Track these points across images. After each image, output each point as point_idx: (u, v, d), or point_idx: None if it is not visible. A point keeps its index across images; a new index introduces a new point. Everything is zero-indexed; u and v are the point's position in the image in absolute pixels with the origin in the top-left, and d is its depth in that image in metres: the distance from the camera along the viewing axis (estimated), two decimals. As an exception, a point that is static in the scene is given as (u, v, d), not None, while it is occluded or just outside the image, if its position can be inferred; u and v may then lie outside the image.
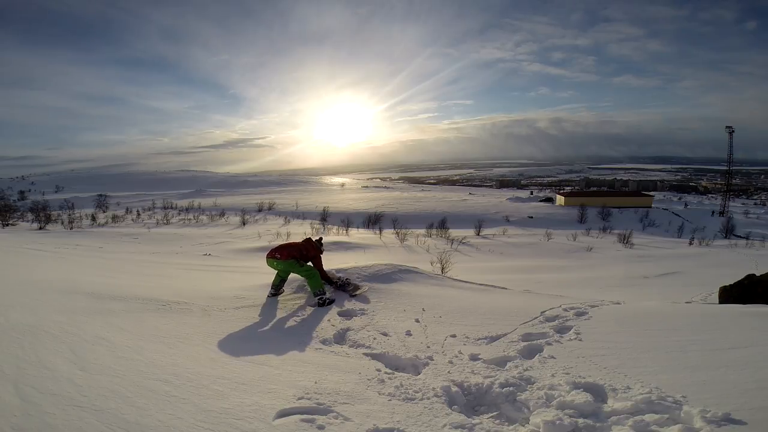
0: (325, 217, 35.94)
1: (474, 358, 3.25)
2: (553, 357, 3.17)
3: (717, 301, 6.31)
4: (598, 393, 2.51)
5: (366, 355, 3.31)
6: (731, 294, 5.96)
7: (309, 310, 4.43)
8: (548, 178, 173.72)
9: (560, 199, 55.71)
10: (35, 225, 26.40)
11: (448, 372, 2.95)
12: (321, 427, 2.07)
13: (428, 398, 2.50)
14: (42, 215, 28.05)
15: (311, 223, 32.35)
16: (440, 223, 29.16)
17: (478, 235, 27.36)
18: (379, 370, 2.94)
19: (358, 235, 26.25)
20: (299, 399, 2.33)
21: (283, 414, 2.16)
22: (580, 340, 3.54)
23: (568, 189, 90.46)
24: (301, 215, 40.14)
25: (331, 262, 5.94)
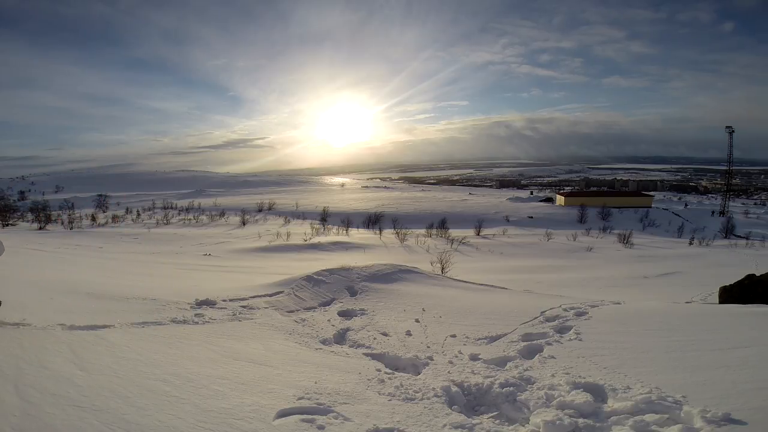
0: (325, 217, 35.88)
1: (474, 358, 3.25)
2: (553, 357, 3.17)
3: (717, 301, 6.31)
4: (598, 393, 2.51)
5: (366, 355, 3.31)
6: (731, 294, 5.96)
7: (310, 310, 4.44)
8: (548, 178, 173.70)
9: (560, 199, 55.65)
10: (35, 225, 26.38)
11: (448, 372, 2.95)
12: (321, 427, 2.07)
13: (428, 398, 2.50)
14: (42, 215, 28.03)
15: (311, 223, 32.33)
16: (440, 223, 29.12)
17: (478, 235, 27.34)
18: (379, 370, 2.94)
19: (358, 235, 26.24)
20: (299, 399, 2.33)
21: (283, 414, 2.16)
22: (580, 340, 3.54)
23: (568, 189, 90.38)
24: (301, 215, 40.08)
25: (331, 261, 5.95)
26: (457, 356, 3.29)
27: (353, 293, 5.14)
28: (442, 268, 11.71)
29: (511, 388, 2.63)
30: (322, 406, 2.29)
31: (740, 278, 6.05)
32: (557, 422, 2.16)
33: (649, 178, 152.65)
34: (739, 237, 34.25)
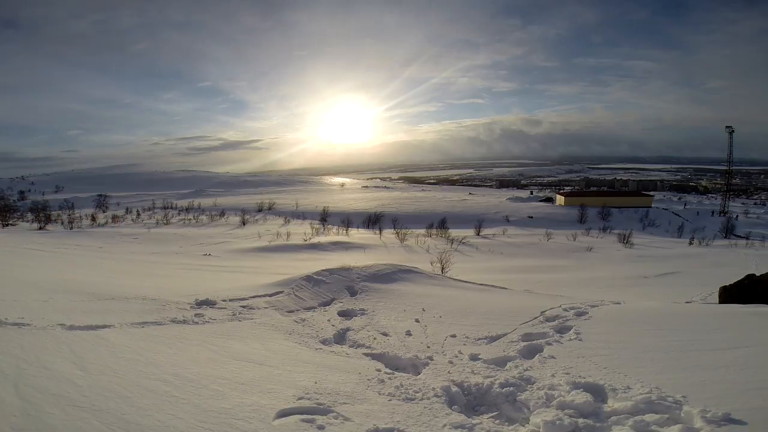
0: (325, 217, 35.88)
1: (474, 358, 3.25)
2: (553, 357, 3.17)
3: (717, 301, 6.31)
4: (598, 393, 2.51)
5: (366, 355, 3.31)
6: (731, 294, 5.96)
7: (310, 310, 4.44)
8: (548, 178, 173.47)
9: (560, 199, 55.61)
10: (35, 225, 26.40)
11: (448, 372, 2.95)
12: (321, 427, 2.07)
13: (428, 398, 2.50)
14: (42, 215, 28.07)
15: (311, 223, 32.33)
16: (440, 223, 29.12)
17: (478, 235, 27.35)
18: (379, 370, 2.94)
19: (358, 235, 26.26)
20: (299, 399, 2.33)
21: (283, 414, 2.16)
22: (580, 340, 3.54)
23: (568, 189, 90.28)
24: (301, 215, 40.08)
25: (331, 261, 5.95)
26: (457, 356, 3.29)
27: (353, 293, 5.15)
28: (442, 268, 11.71)
29: (511, 388, 2.63)
30: (322, 406, 2.29)
31: (740, 278, 6.05)
32: (557, 422, 2.16)
33: (649, 178, 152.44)
34: (739, 237, 34.24)
